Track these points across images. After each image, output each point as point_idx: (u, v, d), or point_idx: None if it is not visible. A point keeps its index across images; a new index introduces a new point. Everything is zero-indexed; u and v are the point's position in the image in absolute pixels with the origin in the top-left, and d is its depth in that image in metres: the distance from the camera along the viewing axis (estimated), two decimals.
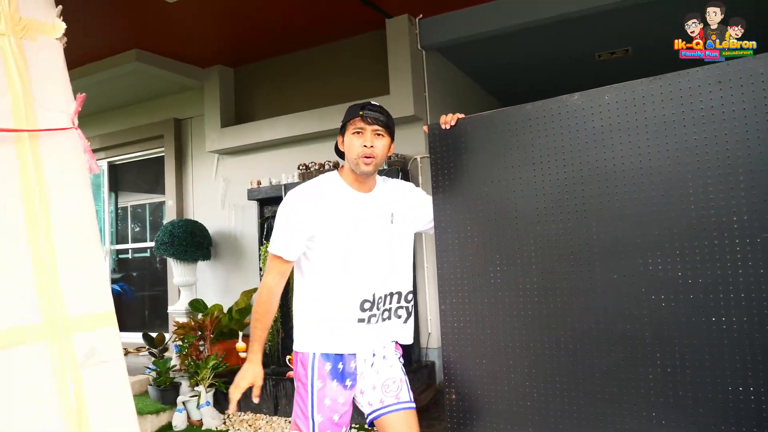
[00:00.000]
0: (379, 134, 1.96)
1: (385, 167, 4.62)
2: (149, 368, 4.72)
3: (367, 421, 2.04)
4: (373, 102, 1.99)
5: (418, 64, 5.07)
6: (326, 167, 4.99)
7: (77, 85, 1.44)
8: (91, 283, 1.42)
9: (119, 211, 7.53)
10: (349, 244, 1.95)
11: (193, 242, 5.59)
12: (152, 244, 6.16)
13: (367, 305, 1.96)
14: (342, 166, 2.06)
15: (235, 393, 1.93)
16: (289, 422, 4.10)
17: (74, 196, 1.43)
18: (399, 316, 2.07)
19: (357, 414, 2.06)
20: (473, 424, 2.07)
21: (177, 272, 5.72)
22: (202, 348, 4.71)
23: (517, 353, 2.00)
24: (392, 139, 2.02)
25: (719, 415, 1.69)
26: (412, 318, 2.10)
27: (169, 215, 6.44)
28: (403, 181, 2.26)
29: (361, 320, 1.96)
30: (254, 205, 5.45)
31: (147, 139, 6.81)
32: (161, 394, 4.49)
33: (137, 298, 7.33)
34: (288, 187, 4.98)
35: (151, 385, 4.61)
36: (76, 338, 1.35)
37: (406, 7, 4.93)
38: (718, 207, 1.70)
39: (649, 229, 1.79)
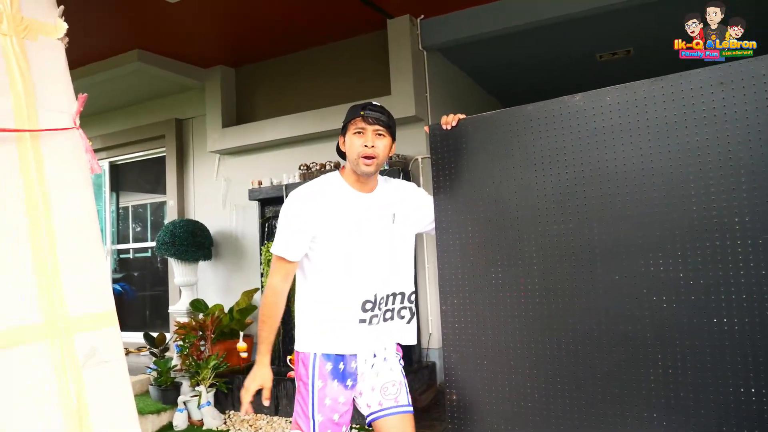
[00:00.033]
0: (380, 134, 1.96)
1: (386, 167, 4.61)
2: (150, 368, 4.72)
3: (367, 422, 2.04)
4: (374, 102, 2.00)
5: (419, 64, 5.07)
6: (327, 167, 4.99)
7: (79, 85, 1.44)
8: (92, 283, 1.43)
9: (120, 210, 7.54)
10: (350, 245, 1.95)
11: (194, 242, 5.59)
12: (153, 244, 6.16)
13: (368, 306, 1.96)
14: (343, 167, 2.06)
15: (245, 396, 1.94)
16: (290, 422, 4.10)
17: (76, 196, 1.44)
18: (402, 317, 2.07)
19: (357, 414, 2.06)
20: (474, 425, 2.07)
21: (178, 272, 5.72)
22: (203, 348, 4.71)
23: (518, 354, 2.00)
24: (393, 140, 2.02)
25: (720, 416, 1.68)
26: (414, 318, 2.10)
27: (171, 215, 6.44)
28: (404, 181, 2.26)
29: (363, 321, 1.96)
30: (255, 205, 5.45)
31: (148, 139, 6.81)
32: (162, 393, 4.49)
33: (138, 297, 7.33)
34: (289, 187, 4.98)
35: (152, 384, 4.61)
36: (76, 338, 1.35)
37: (407, 8, 4.92)
38: (720, 208, 1.69)
39: (651, 230, 1.79)
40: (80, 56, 5.44)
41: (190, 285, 5.77)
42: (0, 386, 1.21)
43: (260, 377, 1.95)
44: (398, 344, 2.10)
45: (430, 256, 4.88)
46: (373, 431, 2.04)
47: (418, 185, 2.26)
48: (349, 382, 1.97)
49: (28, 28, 1.42)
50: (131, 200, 7.59)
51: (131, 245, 7.40)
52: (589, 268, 1.88)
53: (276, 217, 5.26)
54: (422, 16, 5.04)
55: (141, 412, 4.13)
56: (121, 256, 7.46)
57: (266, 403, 1.96)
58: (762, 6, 4.32)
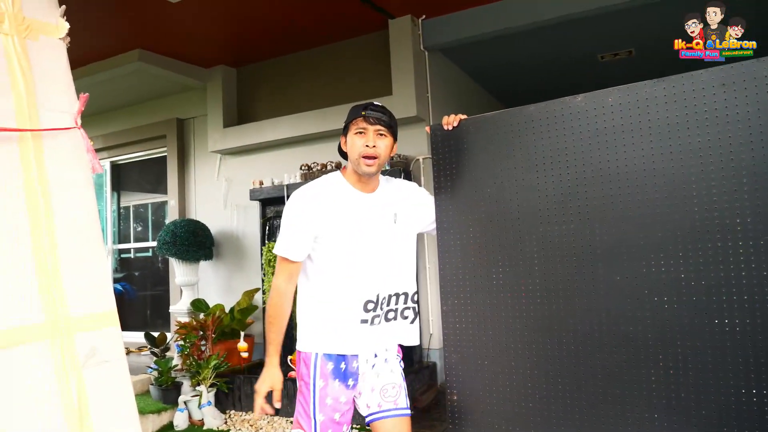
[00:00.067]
0: (381, 134, 1.96)
1: (388, 168, 4.61)
2: (151, 368, 4.72)
3: (366, 422, 2.05)
4: (375, 102, 2.00)
5: (420, 64, 5.07)
6: (328, 167, 4.99)
7: (80, 85, 1.44)
8: (93, 283, 1.43)
9: (121, 210, 7.54)
10: (352, 245, 1.95)
11: (195, 242, 5.59)
12: (154, 243, 6.16)
13: (370, 306, 1.96)
14: (345, 167, 2.06)
15: (257, 399, 1.94)
16: (291, 422, 4.10)
17: (77, 195, 1.44)
18: (406, 317, 2.07)
19: (358, 414, 2.07)
20: (474, 425, 2.07)
21: (179, 272, 5.72)
22: (203, 348, 4.71)
23: (518, 354, 2.00)
24: (395, 140, 2.02)
25: (721, 417, 1.68)
26: (418, 319, 2.10)
27: (172, 215, 6.44)
28: (405, 180, 2.26)
29: (364, 321, 1.96)
30: (256, 205, 5.45)
31: (149, 139, 6.82)
32: (163, 393, 4.49)
33: (139, 297, 7.33)
34: (290, 187, 4.98)
35: (152, 384, 4.61)
36: (77, 338, 1.35)
37: (408, 8, 4.93)
38: (722, 209, 1.69)
39: (653, 231, 1.79)
40: (81, 56, 5.44)
41: (191, 285, 5.78)
42: (0, 386, 1.21)
43: (270, 379, 1.95)
44: (399, 345, 2.10)
45: (431, 256, 4.88)
46: None
47: (420, 186, 2.26)
48: (350, 382, 1.97)
49: (30, 28, 1.42)
50: (132, 200, 7.60)
51: (132, 245, 7.41)
52: (590, 268, 1.88)
53: (277, 217, 5.26)
54: (424, 17, 5.04)
55: (141, 412, 4.13)
56: (122, 255, 7.47)
57: (278, 405, 1.95)
58: (762, 6, 4.32)
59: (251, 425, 4.22)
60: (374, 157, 1.94)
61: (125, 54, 5.50)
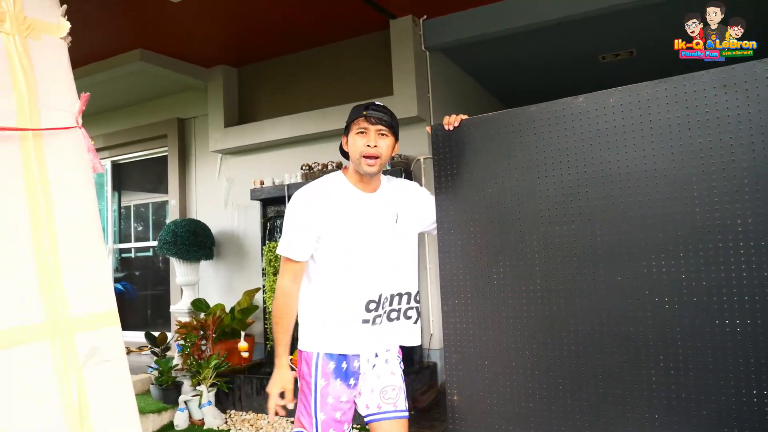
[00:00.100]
0: (382, 134, 1.96)
1: (389, 168, 4.61)
2: (151, 367, 4.72)
3: (364, 422, 2.06)
4: (377, 102, 2.00)
5: (421, 64, 5.07)
6: (329, 167, 5.00)
7: (81, 85, 1.44)
8: (94, 283, 1.43)
9: (122, 210, 7.54)
10: (354, 245, 1.95)
11: (196, 242, 5.59)
12: (155, 243, 6.17)
13: (372, 306, 1.96)
14: (346, 167, 2.07)
15: (271, 402, 1.94)
16: (291, 422, 4.10)
17: (77, 195, 1.44)
18: (409, 317, 2.07)
19: (358, 414, 2.07)
20: (475, 425, 2.07)
21: (180, 272, 5.72)
22: (204, 347, 4.72)
23: (519, 355, 2.00)
24: (396, 139, 2.02)
25: (722, 418, 1.68)
26: (420, 319, 2.10)
27: (172, 215, 6.45)
28: (406, 180, 2.26)
29: (366, 321, 1.96)
30: (257, 205, 5.45)
31: (150, 139, 6.82)
32: (163, 393, 4.49)
33: (140, 297, 7.34)
34: (291, 187, 4.98)
35: (153, 384, 4.61)
36: (77, 338, 1.35)
37: (410, 8, 4.92)
38: (723, 210, 1.69)
39: (654, 231, 1.79)
40: (83, 55, 5.45)
41: (191, 284, 5.78)
42: (0, 386, 1.21)
43: (280, 380, 1.95)
44: (399, 346, 2.11)
45: (431, 256, 4.88)
46: None
47: (420, 186, 2.26)
48: (351, 381, 1.97)
49: (31, 27, 1.42)
50: (133, 199, 7.60)
51: (133, 244, 7.41)
52: (591, 269, 1.88)
53: (277, 217, 5.26)
54: (425, 17, 5.04)
55: (142, 412, 4.13)
56: (123, 255, 7.47)
57: (290, 405, 1.95)
58: (762, 6, 4.31)
59: (251, 425, 4.22)
60: (376, 157, 1.94)
61: (126, 54, 5.50)
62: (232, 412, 4.54)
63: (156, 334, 5.10)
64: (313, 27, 5.24)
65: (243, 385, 4.56)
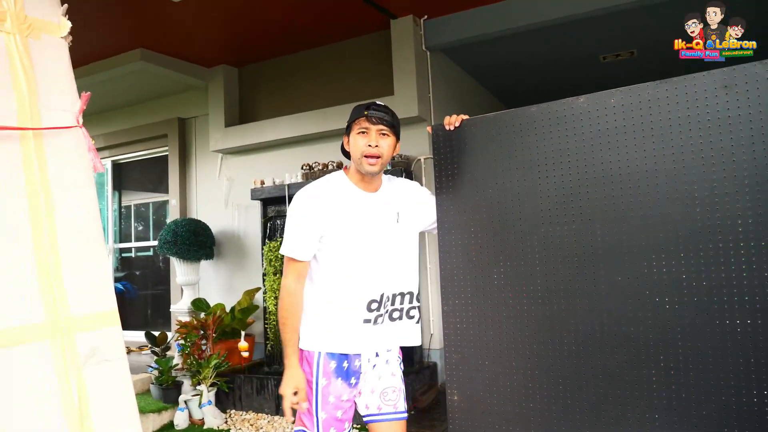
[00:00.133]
0: (384, 134, 1.96)
1: (389, 168, 4.61)
2: (151, 367, 4.72)
3: (364, 422, 2.06)
4: (378, 102, 2.00)
5: (422, 64, 5.07)
6: (330, 167, 5.00)
7: (82, 84, 1.44)
8: (94, 283, 1.43)
9: (123, 209, 7.54)
10: (355, 244, 1.95)
11: (196, 241, 5.60)
12: (155, 243, 6.17)
13: (374, 305, 1.97)
14: (347, 167, 2.07)
15: (285, 403, 1.93)
16: (292, 421, 4.09)
17: (78, 195, 1.44)
18: (411, 317, 2.07)
19: (359, 414, 2.07)
20: (475, 425, 2.07)
21: (180, 271, 5.72)
22: (204, 347, 4.72)
23: (519, 355, 2.00)
24: (398, 139, 2.03)
25: (722, 418, 1.68)
26: (420, 319, 2.10)
27: (173, 214, 6.45)
28: (407, 180, 2.26)
29: (367, 321, 1.96)
30: (257, 204, 5.45)
31: (151, 138, 6.82)
32: (163, 392, 4.49)
33: (140, 296, 7.34)
34: (291, 187, 4.98)
35: (153, 383, 4.61)
36: (77, 338, 1.35)
37: (410, 8, 4.92)
38: (723, 210, 1.69)
39: (654, 231, 1.79)
40: (83, 55, 5.45)
41: (191, 284, 5.78)
42: (0, 386, 1.21)
43: (292, 381, 1.93)
44: (399, 347, 2.11)
45: (431, 256, 4.88)
46: None
47: (421, 186, 2.26)
48: (352, 380, 1.98)
49: (32, 27, 1.42)
50: (133, 199, 7.60)
51: (133, 244, 7.42)
52: (591, 269, 1.88)
53: (278, 216, 5.26)
54: (425, 17, 5.04)
55: (142, 411, 4.14)
56: (123, 254, 7.47)
57: (305, 406, 1.93)
58: (762, 6, 4.31)
59: (251, 425, 4.22)
60: (377, 157, 1.94)
61: (127, 53, 5.50)
62: (232, 411, 4.54)
63: (156, 333, 5.11)
64: (314, 27, 5.24)
65: (243, 384, 4.56)
